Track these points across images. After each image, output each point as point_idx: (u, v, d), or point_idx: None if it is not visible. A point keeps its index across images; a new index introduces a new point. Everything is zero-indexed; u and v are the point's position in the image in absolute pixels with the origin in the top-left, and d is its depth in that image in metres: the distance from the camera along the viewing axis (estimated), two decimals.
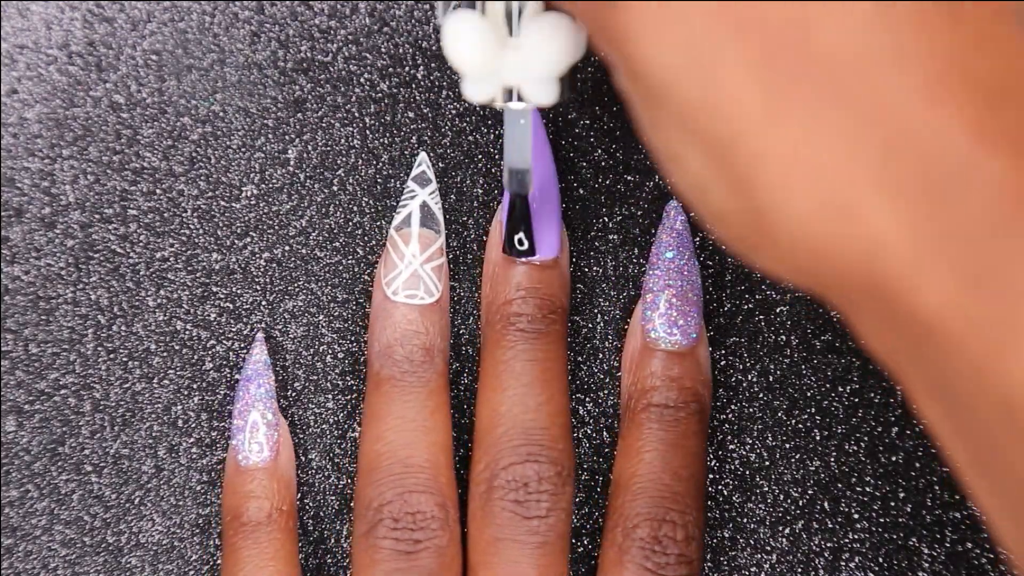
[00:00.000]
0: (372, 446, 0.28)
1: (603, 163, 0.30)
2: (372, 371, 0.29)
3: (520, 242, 0.27)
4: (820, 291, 0.18)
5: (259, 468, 0.29)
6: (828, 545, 0.29)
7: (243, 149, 0.31)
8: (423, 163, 0.30)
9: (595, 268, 0.30)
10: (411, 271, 0.29)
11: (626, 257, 0.30)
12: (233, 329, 0.31)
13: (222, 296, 0.31)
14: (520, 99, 0.22)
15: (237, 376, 0.31)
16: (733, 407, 0.30)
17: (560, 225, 0.29)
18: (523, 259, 0.28)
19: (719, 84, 0.16)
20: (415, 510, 0.27)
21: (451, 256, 0.31)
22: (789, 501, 0.29)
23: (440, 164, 0.31)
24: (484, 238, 0.31)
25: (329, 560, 0.30)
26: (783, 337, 0.30)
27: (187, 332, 0.31)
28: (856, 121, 0.16)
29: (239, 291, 0.31)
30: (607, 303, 0.30)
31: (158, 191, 0.31)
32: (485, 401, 0.28)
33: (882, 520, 0.29)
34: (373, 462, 0.28)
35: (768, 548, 0.29)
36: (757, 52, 0.15)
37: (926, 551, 0.29)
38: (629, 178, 0.30)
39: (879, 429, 0.29)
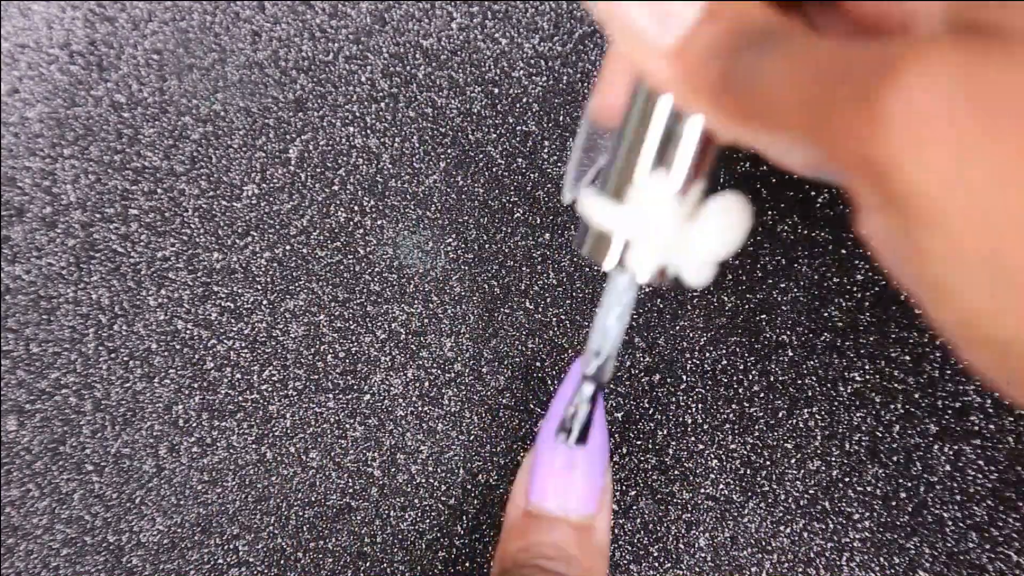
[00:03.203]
0: None
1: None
2: None
3: (569, 431, 0.24)
4: None
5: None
6: (828, 545, 0.29)
7: (244, 148, 0.31)
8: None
9: (595, 267, 0.30)
10: None
11: None
12: (234, 328, 0.31)
13: (223, 295, 0.31)
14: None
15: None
16: (733, 407, 0.30)
17: (602, 484, 0.27)
18: (552, 510, 0.26)
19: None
20: None
21: (451, 255, 0.31)
22: (789, 501, 0.29)
23: (440, 164, 0.31)
24: (484, 237, 0.31)
25: (329, 561, 0.30)
26: (783, 337, 0.30)
27: (188, 331, 0.31)
28: None
29: (240, 290, 0.31)
30: None
31: (159, 190, 0.31)
32: None
33: (882, 520, 0.29)
34: None
35: (768, 548, 0.29)
36: None
37: (927, 551, 0.29)
38: None
39: (879, 429, 0.29)
